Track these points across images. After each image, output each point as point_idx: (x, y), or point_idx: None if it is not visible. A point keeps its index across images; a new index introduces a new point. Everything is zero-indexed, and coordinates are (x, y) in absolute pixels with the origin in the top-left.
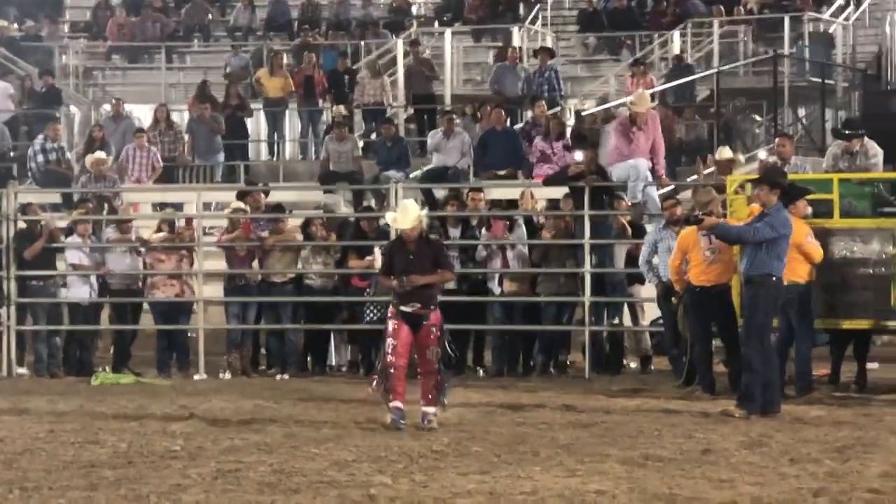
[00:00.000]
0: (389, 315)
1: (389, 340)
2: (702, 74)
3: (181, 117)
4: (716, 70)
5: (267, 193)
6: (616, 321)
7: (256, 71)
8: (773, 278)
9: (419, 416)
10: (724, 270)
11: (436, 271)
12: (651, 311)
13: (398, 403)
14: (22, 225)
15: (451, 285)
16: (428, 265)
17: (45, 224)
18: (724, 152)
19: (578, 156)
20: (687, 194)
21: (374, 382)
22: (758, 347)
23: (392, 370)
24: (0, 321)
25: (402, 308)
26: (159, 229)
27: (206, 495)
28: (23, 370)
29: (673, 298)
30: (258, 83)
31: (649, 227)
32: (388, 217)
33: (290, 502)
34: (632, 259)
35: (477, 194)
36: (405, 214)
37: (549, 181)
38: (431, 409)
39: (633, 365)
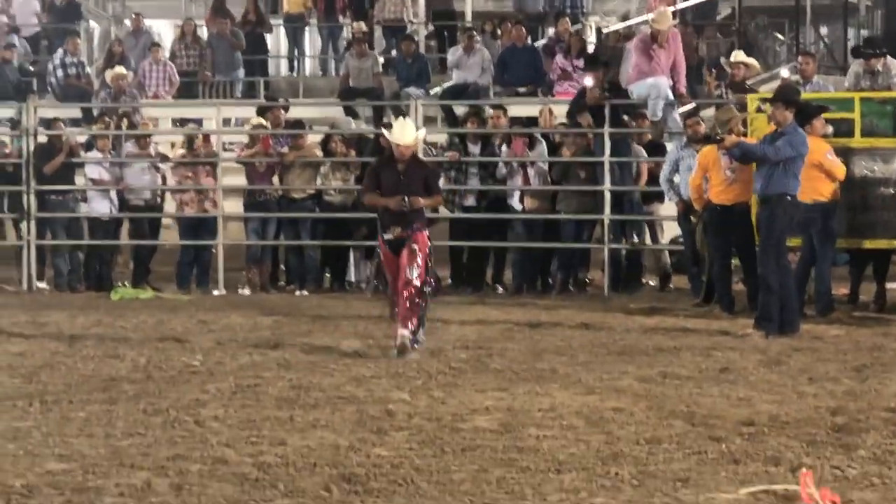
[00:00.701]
0: (378, 242)
1: (385, 271)
2: None
3: (200, 32)
4: None
5: (287, 109)
6: (635, 239)
7: None
8: (789, 197)
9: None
10: (744, 189)
11: (422, 194)
12: (671, 230)
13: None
14: (42, 139)
15: (470, 201)
16: (418, 187)
17: (66, 139)
18: (738, 55)
19: (588, 81)
20: (709, 112)
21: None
22: (773, 267)
23: (393, 300)
24: (20, 236)
25: (385, 235)
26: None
27: (225, 410)
28: (43, 284)
29: (692, 217)
30: None
31: (669, 146)
32: (386, 132)
33: (308, 417)
34: (652, 177)
35: (498, 112)
36: (404, 130)
37: (568, 112)
38: (404, 332)
39: (651, 283)
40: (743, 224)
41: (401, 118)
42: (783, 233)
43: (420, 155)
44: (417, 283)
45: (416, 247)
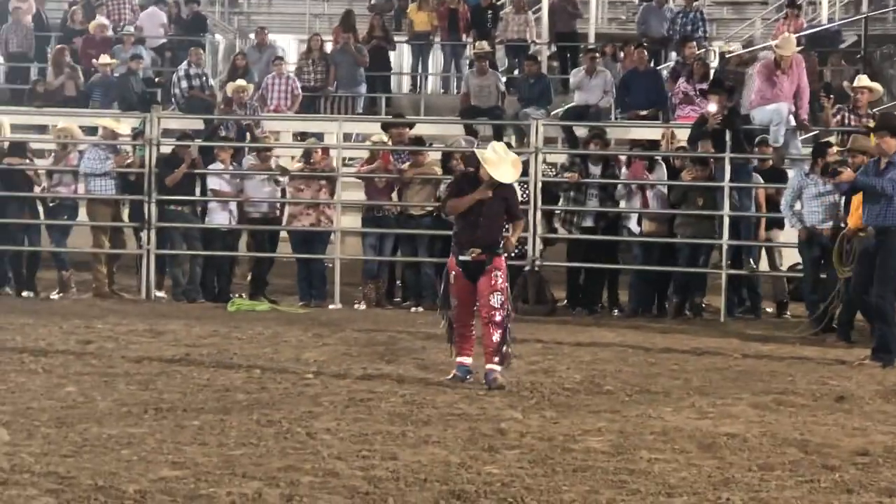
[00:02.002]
0: (449, 265)
1: (452, 298)
2: (849, 19)
3: (326, 48)
4: (864, 15)
5: (411, 126)
6: (753, 265)
7: (401, 2)
8: None
9: (483, 375)
10: None
11: (503, 216)
12: (790, 257)
13: (464, 358)
14: (165, 150)
15: (588, 222)
16: (499, 210)
17: (188, 151)
18: (862, 80)
19: (712, 107)
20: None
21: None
22: (891, 298)
23: (456, 326)
24: (140, 245)
25: (461, 257)
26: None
27: (337, 423)
28: (161, 294)
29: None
30: (406, 17)
31: (791, 172)
32: (480, 154)
33: (420, 433)
34: (771, 203)
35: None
36: (504, 168)
37: (689, 138)
38: (497, 367)
39: (769, 310)
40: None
41: (499, 146)
42: None
43: (539, 173)
44: (501, 315)
45: (497, 273)
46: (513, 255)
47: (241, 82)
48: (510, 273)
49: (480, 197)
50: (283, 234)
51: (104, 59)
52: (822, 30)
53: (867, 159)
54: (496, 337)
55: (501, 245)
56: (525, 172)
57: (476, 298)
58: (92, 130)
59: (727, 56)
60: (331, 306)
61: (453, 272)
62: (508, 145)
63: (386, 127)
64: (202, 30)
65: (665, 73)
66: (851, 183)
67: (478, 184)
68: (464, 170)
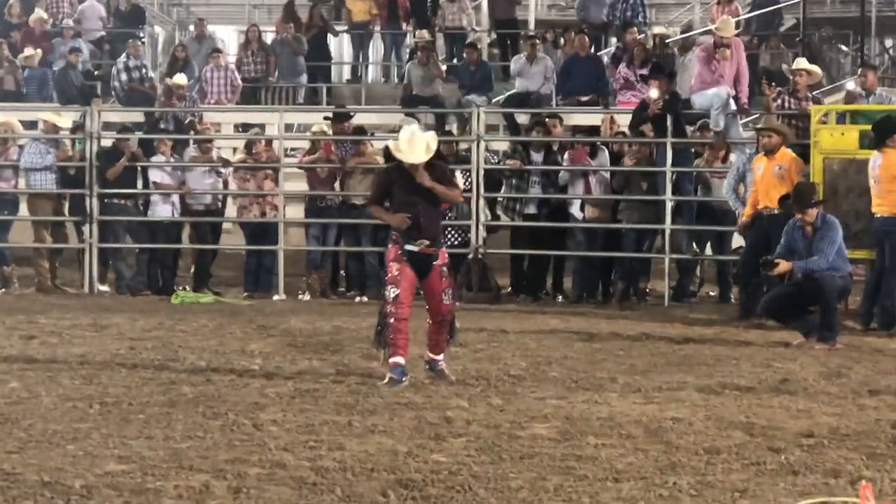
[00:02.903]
0: (389, 256)
1: (391, 288)
2: (788, 3)
3: (265, 39)
4: None
5: (350, 116)
6: (696, 249)
7: None
8: None
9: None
10: None
11: (440, 203)
12: (734, 240)
13: (399, 359)
14: (105, 143)
15: (531, 209)
16: (434, 194)
17: (128, 144)
18: (801, 62)
19: (654, 93)
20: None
21: (374, 335)
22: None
23: (393, 321)
24: (82, 239)
25: (408, 247)
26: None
27: (284, 414)
28: (104, 287)
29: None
30: (345, 6)
31: (733, 156)
32: (392, 146)
33: (366, 423)
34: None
35: (554, 120)
36: (413, 146)
37: (630, 124)
38: (440, 356)
39: (711, 294)
40: None
41: (407, 128)
42: None
43: (482, 160)
44: (453, 307)
45: (445, 269)
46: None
47: (179, 79)
48: (454, 260)
49: (398, 223)
50: (226, 225)
51: (28, 51)
52: (761, 14)
53: (777, 138)
54: (445, 334)
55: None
56: (467, 160)
57: (415, 291)
58: (32, 125)
59: (667, 41)
60: (275, 297)
61: (394, 265)
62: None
63: (336, 117)
64: (141, 22)
65: (606, 58)
66: (790, 270)
67: (404, 175)
68: (386, 165)
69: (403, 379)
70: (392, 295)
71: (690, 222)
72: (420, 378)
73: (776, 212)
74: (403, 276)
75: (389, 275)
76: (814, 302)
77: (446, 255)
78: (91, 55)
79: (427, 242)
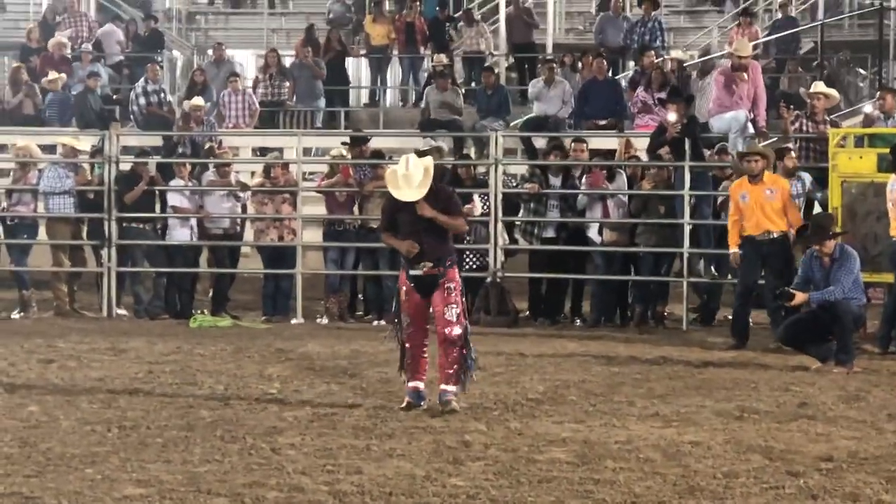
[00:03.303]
0: (399, 282)
1: (402, 315)
2: (806, 26)
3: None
4: (820, 22)
5: (368, 140)
6: (714, 273)
7: (359, 16)
8: None
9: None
10: None
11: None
12: None
13: (416, 384)
14: (124, 167)
15: (549, 233)
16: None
17: (146, 168)
18: (818, 86)
19: (672, 116)
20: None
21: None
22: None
23: (408, 346)
24: (101, 262)
25: (412, 271)
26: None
27: (302, 438)
28: (122, 311)
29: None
30: (363, 30)
31: None
32: (388, 179)
33: (384, 447)
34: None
35: (580, 145)
36: (409, 183)
37: (648, 148)
38: (451, 388)
39: (729, 317)
40: None
41: (404, 159)
42: None
43: (500, 184)
44: (459, 329)
45: (451, 285)
46: (453, 255)
47: (197, 100)
48: (471, 284)
49: (406, 250)
50: (245, 249)
51: (52, 75)
52: (779, 38)
53: (763, 162)
54: (453, 356)
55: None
56: (485, 184)
57: (428, 315)
58: (51, 149)
59: (685, 65)
60: (293, 321)
61: (404, 287)
62: (426, 152)
63: (354, 141)
64: (159, 46)
65: (623, 82)
66: (806, 301)
67: (406, 203)
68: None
69: (421, 403)
70: (403, 322)
71: (708, 246)
72: (437, 402)
73: (775, 236)
74: (410, 302)
75: (402, 301)
76: (831, 332)
77: (455, 275)
78: (110, 80)
79: (430, 264)
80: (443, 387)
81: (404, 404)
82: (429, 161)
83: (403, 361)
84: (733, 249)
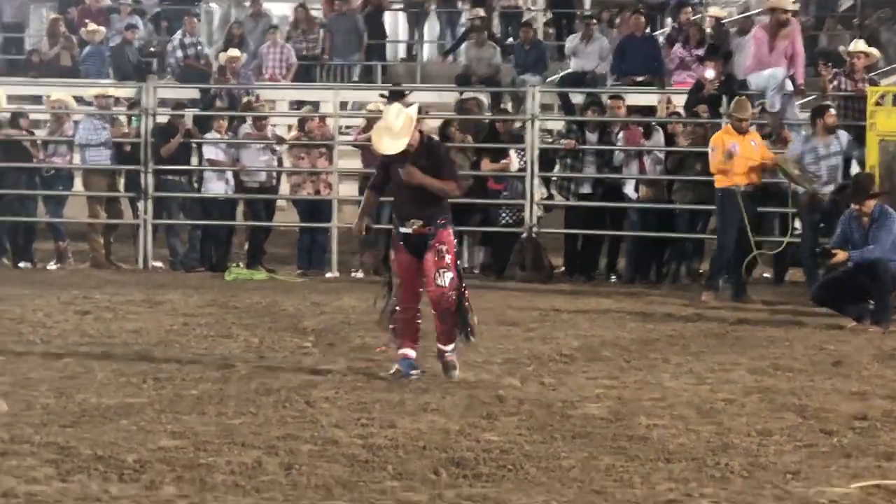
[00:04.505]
0: (392, 240)
1: (393, 276)
2: None
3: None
4: None
5: (406, 94)
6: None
7: None
8: None
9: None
10: None
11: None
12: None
13: (407, 350)
14: (161, 120)
15: (585, 189)
16: (431, 174)
17: (182, 121)
18: (858, 44)
19: (709, 73)
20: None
21: (383, 318)
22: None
23: (399, 311)
24: (137, 215)
25: (402, 229)
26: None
27: (336, 391)
28: (158, 263)
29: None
30: None
31: (792, 137)
32: (373, 133)
33: (418, 401)
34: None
35: (617, 101)
36: (390, 135)
37: (686, 105)
38: (448, 346)
39: (766, 275)
40: None
41: (387, 112)
42: None
43: (536, 140)
44: (453, 293)
45: (442, 248)
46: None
47: (233, 52)
48: (507, 239)
49: (354, 231)
50: (280, 202)
51: (91, 27)
52: None
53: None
54: (448, 322)
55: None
56: (521, 139)
57: (420, 278)
58: (88, 101)
59: (722, 22)
60: (328, 275)
61: (393, 250)
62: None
63: (393, 95)
64: None
65: (661, 39)
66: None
67: (398, 157)
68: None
69: (412, 373)
70: (395, 283)
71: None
72: (471, 357)
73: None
74: (399, 263)
75: (394, 265)
76: (867, 291)
77: (448, 236)
78: (148, 32)
79: (420, 223)
80: (440, 345)
81: (392, 371)
82: (412, 111)
83: (394, 327)
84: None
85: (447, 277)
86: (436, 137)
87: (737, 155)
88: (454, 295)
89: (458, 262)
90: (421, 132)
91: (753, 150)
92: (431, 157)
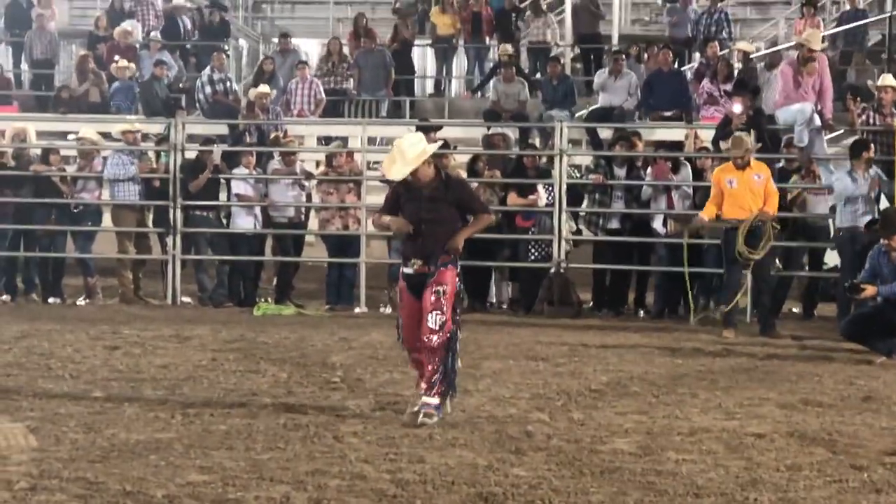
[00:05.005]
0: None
1: (399, 318)
2: (875, 18)
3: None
4: (889, 14)
5: (436, 130)
6: (779, 266)
7: (425, 6)
8: None
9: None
10: None
11: (455, 220)
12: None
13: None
14: (189, 155)
15: (614, 224)
16: (445, 214)
17: (211, 156)
18: (886, 78)
19: (737, 108)
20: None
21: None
22: None
23: (408, 353)
24: (166, 250)
25: (405, 269)
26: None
27: (364, 426)
28: (187, 299)
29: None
30: (429, 20)
31: (832, 176)
32: (385, 159)
33: (447, 436)
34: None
35: (634, 138)
36: (401, 161)
37: (714, 139)
38: (431, 401)
39: (795, 310)
40: None
41: (399, 141)
42: None
43: (564, 175)
44: (438, 339)
45: (440, 288)
46: (456, 255)
47: (262, 88)
48: (535, 274)
49: (396, 228)
50: (309, 238)
51: (121, 63)
52: (846, 30)
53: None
54: (432, 367)
55: (451, 254)
56: (549, 174)
57: (418, 316)
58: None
59: (751, 56)
60: (356, 310)
61: (398, 290)
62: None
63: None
64: (226, 35)
65: (689, 74)
66: (875, 294)
67: (410, 190)
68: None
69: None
70: (399, 323)
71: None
72: (500, 392)
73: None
74: (403, 304)
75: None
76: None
77: (450, 276)
78: (178, 68)
79: (420, 262)
80: (422, 398)
81: (412, 411)
82: (430, 146)
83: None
84: (704, 216)
85: (439, 320)
86: (454, 174)
87: (733, 189)
88: (441, 339)
89: (458, 310)
90: (437, 168)
91: (756, 184)
92: (452, 194)
